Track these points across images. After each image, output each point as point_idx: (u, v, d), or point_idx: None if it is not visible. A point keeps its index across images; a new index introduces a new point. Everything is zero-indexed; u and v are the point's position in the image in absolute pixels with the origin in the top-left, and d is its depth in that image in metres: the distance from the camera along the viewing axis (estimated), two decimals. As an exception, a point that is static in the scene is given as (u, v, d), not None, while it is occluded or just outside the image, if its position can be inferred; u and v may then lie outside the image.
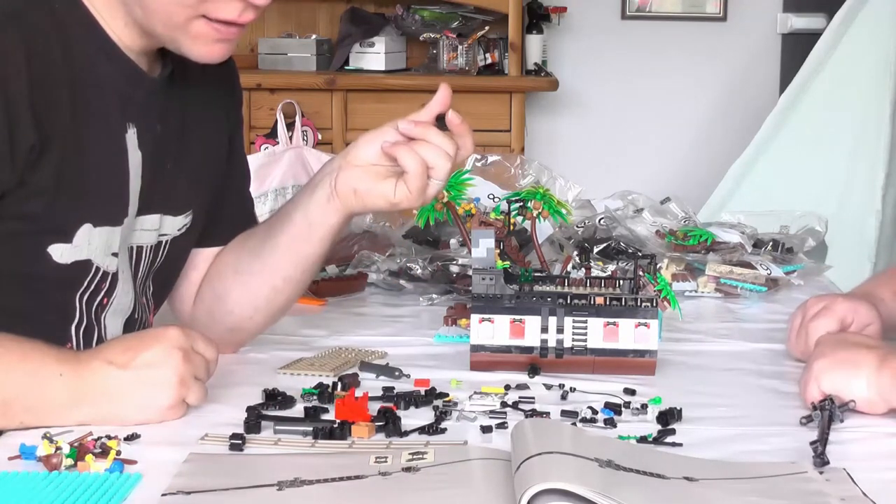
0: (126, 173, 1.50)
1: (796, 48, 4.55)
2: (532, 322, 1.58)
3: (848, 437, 1.36)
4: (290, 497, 1.15)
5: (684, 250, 2.15)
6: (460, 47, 4.40)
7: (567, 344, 1.58)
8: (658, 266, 1.83)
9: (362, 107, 4.28)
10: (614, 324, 1.58)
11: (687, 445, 1.33)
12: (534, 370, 1.58)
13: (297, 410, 1.43)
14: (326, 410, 1.43)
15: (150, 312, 1.64)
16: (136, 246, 1.56)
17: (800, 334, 1.67)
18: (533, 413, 1.43)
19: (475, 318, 1.59)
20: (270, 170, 4.08)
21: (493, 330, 1.58)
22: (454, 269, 2.05)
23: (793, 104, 4.07)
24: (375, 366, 1.60)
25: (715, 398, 1.52)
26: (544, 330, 1.58)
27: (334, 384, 1.51)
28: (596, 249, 2.11)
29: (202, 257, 1.69)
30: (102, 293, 1.52)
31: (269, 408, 1.43)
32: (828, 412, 1.36)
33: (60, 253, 1.46)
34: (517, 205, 1.90)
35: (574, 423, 1.40)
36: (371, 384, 1.53)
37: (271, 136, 4.21)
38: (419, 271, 2.06)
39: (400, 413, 1.40)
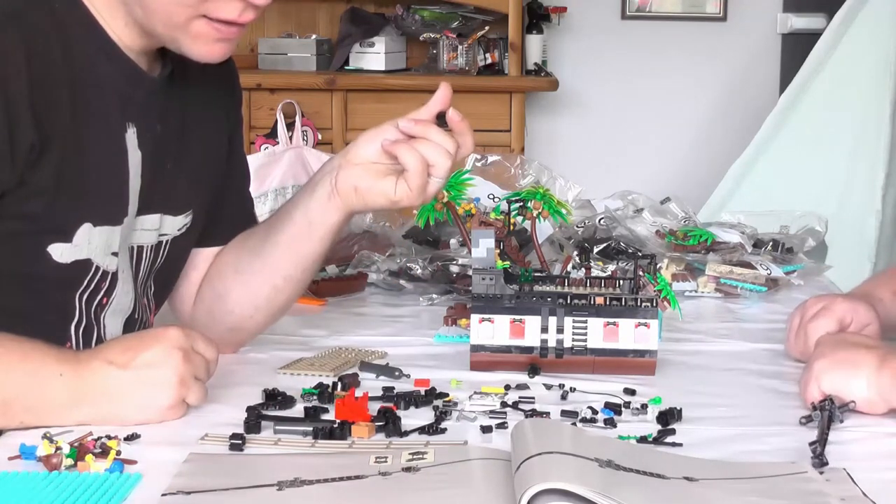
0: (126, 173, 1.50)
1: (796, 48, 4.55)
2: (532, 322, 1.58)
3: (848, 438, 1.36)
4: (290, 497, 1.15)
5: (684, 250, 2.15)
6: (460, 47, 4.40)
7: (567, 344, 1.58)
8: (658, 266, 1.83)
9: (362, 107, 4.28)
10: (614, 324, 1.58)
11: (687, 445, 1.33)
12: (534, 370, 1.58)
13: (297, 410, 1.43)
14: (326, 410, 1.43)
15: (151, 312, 1.64)
16: (137, 246, 1.56)
17: (799, 334, 1.67)
18: (533, 413, 1.43)
19: (475, 318, 1.59)
20: (270, 170, 4.08)
21: (493, 330, 1.58)
22: (454, 269, 2.05)
23: (793, 104, 4.07)
24: (375, 366, 1.60)
25: (715, 398, 1.52)
26: (544, 330, 1.58)
27: (334, 384, 1.51)
28: (596, 249, 2.11)
29: (202, 257, 1.69)
30: (102, 293, 1.52)
31: (269, 408, 1.43)
32: (827, 412, 1.36)
33: (60, 252, 1.46)
34: (517, 205, 1.90)
35: (574, 423, 1.40)
36: (371, 384, 1.53)
37: (271, 136, 4.21)
38: (419, 271, 2.06)
39: (400, 413, 1.40)
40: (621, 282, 1.66)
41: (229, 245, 1.69)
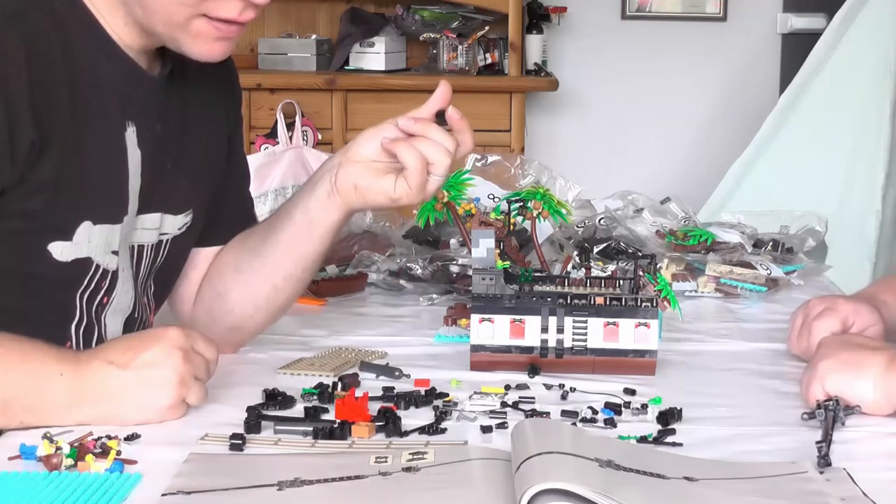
0: (125, 172, 1.50)
1: (796, 48, 4.55)
2: (532, 322, 1.58)
3: (849, 437, 1.36)
4: (290, 497, 1.15)
5: (684, 250, 2.15)
6: (460, 47, 4.40)
7: (567, 344, 1.58)
8: (658, 266, 1.83)
9: (362, 107, 4.28)
10: (614, 324, 1.58)
11: (687, 445, 1.33)
12: (534, 370, 1.58)
13: (297, 410, 1.43)
14: (326, 410, 1.43)
15: (151, 312, 1.64)
16: (137, 245, 1.56)
17: (801, 334, 1.66)
18: (533, 413, 1.43)
19: (475, 318, 1.59)
20: (270, 170, 4.08)
21: (493, 330, 1.58)
22: (454, 269, 2.05)
23: (793, 104, 4.07)
24: (375, 366, 1.60)
25: (715, 398, 1.52)
26: (544, 330, 1.58)
27: (334, 384, 1.51)
28: (596, 249, 2.10)
29: (202, 257, 1.69)
30: (102, 292, 1.52)
31: (269, 408, 1.43)
32: (832, 413, 1.36)
33: (61, 251, 1.46)
34: (517, 205, 1.90)
35: (574, 423, 1.40)
36: (371, 384, 1.53)
37: (271, 136, 4.21)
38: (419, 271, 2.06)
39: (400, 413, 1.40)
40: (621, 282, 1.66)
41: (229, 244, 1.69)
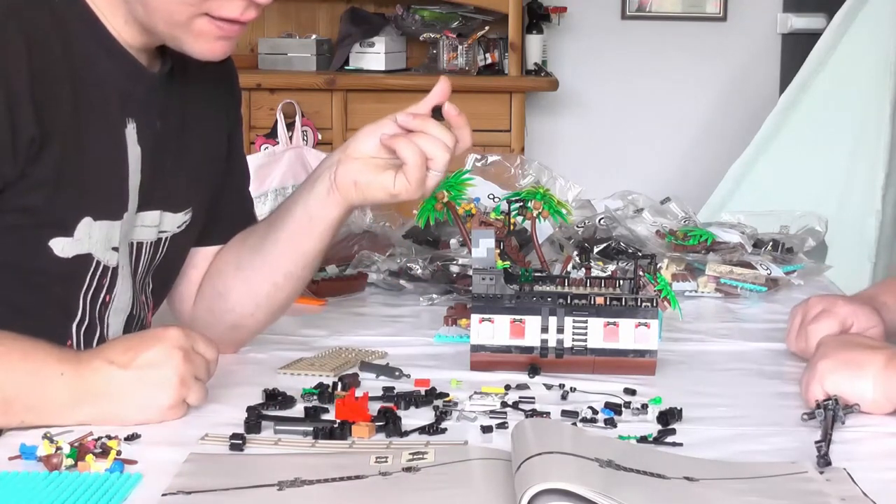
0: (125, 168, 1.50)
1: (796, 48, 4.55)
2: (532, 322, 1.58)
3: (849, 437, 1.35)
4: (290, 497, 1.15)
5: (684, 250, 2.15)
6: (460, 47, 4.40)
7: (567, 344, 1.58)
8: (658, 266, 1.83)
9: (362, 107, 4.28)
10: (614, 324, 1.58)
11: (687, 445, 1.33)
12: (534, 370, 1.58)
13: (298, 410, 1.43)
14: (326, 410, 1.43)
15: (149, 311, 1.64)
16: (137, 242, 1.56)
17: (800, 334, 1.66)
18: (533, 413, 1.43)
19: (475, 318, 1.59)
20: (270, 170, 4.09)
21: (493, 330, 1.58)
22: (454, 269, 2.05)
23: (793, 104, 4.07)
24: (375, 366, 1.60)
25: (715, 398, 1.52)
26: (544, 330, 1.58)
27: (334, 384, 1.51)
28: (596, 249, 2.10)
29: (202, 256, 1.69)
30: (104, 290, 1.52)
31: (269, 408, 1.43)
32: (831, 412, 1.36)
33: (62, 247, 1.46)
34: (517, 205, 1.90)
35: (574, 423, 1.40)
36: (371, 384, 1.53)
37: (271, 136, 4.21)
38: (419, 271, 2.06)
39: (400, 413, 1.40)
40: (621, 282, 1.66)
41: (230, 243, 1.69)
